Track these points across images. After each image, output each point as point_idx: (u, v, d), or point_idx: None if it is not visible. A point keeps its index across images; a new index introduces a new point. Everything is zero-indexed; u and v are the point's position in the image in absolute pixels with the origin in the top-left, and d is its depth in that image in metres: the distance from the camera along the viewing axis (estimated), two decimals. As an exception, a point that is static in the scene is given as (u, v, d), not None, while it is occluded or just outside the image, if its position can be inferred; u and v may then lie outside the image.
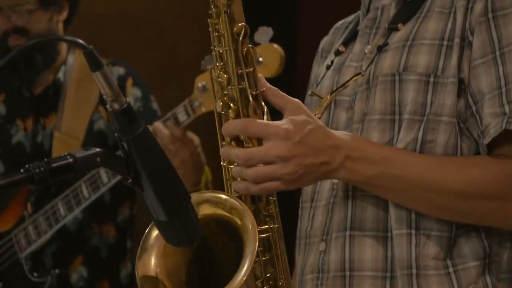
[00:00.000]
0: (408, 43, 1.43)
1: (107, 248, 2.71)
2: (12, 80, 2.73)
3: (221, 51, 1.34)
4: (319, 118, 1.41)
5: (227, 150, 1.31)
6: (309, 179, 1.34)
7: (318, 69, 1.65)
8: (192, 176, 2.36)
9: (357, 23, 1.56)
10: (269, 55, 2.25)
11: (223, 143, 1.34)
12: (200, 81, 2.35)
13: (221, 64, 1.34)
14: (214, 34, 1.34)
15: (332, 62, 1.56)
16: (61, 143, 2.65)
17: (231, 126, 1.31)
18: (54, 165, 1.10)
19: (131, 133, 1.15)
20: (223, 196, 1.34)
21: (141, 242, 1.34)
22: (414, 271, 1.39)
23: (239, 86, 1.32)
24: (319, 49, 1.70)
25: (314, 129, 1.31)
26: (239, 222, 1.29)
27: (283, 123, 1.29)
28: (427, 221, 1.40)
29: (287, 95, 1.33)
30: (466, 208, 1.37)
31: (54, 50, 2.71)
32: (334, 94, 1.45)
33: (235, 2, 1.31)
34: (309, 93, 1.55)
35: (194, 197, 1.31)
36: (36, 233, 2.56)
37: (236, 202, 1.32)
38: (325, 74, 1.57)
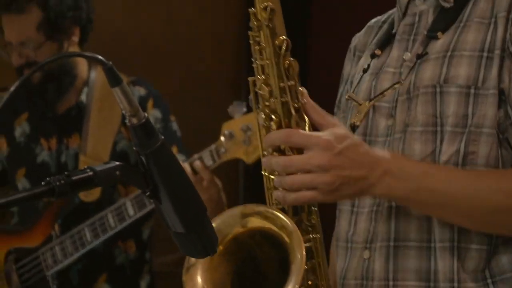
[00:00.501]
0: (448, 53, 1.44)
1: (129, 264, 2.74)
2: (34, 99, 2.77)
3: (262, 63, 1.34)
4: (359, 125, 1.46)
5: (269, 159, 1.33)
6: (346, 193, 1.35)
7: (351, 68, 1.66)
8: (212, 214, 2.40)
9: (391, 24, 1.57)
10: None
11: (265, 153, 1.36)
12: (227, 128, 2.41)
13: (263, 77, 1.35)
14: (256, 47, 1.36)
15: (368, 65, 1.57)
16: None
17: (274, 136, 1.33)
18: (74, 178, 1.11)
19: (149, 147, 1.16)
20: (275, 212, 1.37)
21: (186, 258, 1.37)
22: (455, 284, 1.41)
23: (281, 99, 1.35)
24: (351, 46, 1.69)
25: (354, 143, 1.33)
26: (286, 239, 1.31)
27: (324, 134, 1.31)
28: (468, 234, 1.40)
29: (327, 113, 1.36)
30: (505, 221, 1.38)
31: (72, 72, 2.75)
32: (373, 101, 1.47)
33: (276, 16, 1.34)
34: (346, 97, 1.57)
35: (246, 208, 1.33)
36: (63, 255, 2.61)
37: (286, 220, 1.35)
38: (361, 77, 1.57)
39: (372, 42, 1.60)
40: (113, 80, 1.15)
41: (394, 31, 1.52)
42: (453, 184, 1.36)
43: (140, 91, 2.77)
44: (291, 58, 1.35)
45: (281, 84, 1.34)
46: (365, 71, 1.54)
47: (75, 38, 2.77)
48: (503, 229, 1.39)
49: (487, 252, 1.40)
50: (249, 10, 1.35)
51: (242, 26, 3.93)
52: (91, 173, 1.13)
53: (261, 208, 1.36)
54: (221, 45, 3.71)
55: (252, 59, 1.35)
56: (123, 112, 1.16)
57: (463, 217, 1.38)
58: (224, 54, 3.66)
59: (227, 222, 1.41)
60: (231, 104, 2.32)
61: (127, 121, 1.17)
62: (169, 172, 1.17)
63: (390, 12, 1.60)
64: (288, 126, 1.34)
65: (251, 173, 3.44)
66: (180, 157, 2.67)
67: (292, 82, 1.34)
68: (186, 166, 2.39)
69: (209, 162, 2.42)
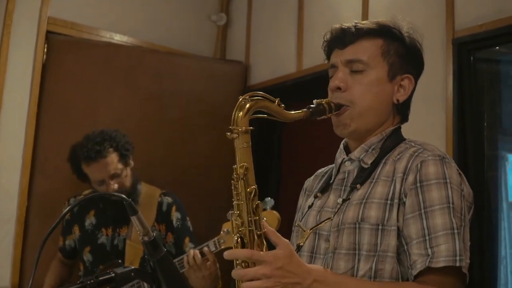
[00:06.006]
0: (364, 201, 1.45)
1: None
2: (97, 202, 2.82)
3: (238, 203, 1.35)
4: (302, 245, 1.49)
5: (236, 270, 1.33)
6: None
7: (303, 201, 1.71)
8: (211, 285, 2.42)
9: (330, 175, 1.63)
10: (271, 217, 2.44)
11: (237, 262, 1.36)
12: (225, 227, 2.52)
13: (238, 212, 1.35)
14: (234, 192, 1.35)
15: (312, 203, 1.60)
16: (131, 248, 2.80)
17: (240, 253, 1.32)
18: (101, 278, 1.12)
19: (156, 256, 1.18)
20: None
21: None
22: None
23: (249, 228, 1.33)
24: (304, 187, 1.74)
25: (293, 261, 1.30)
26: None
27: (272, 254, 1.29)
28: None
29: (281, 236, 1.35)
30: None
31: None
32: (312, 230, 1.49)
33: (249, 172, 1.33)
34: (296, 224, 1.62)
35: None
36: None
37: None
38: (308, 211, 1.60)
39: (317, 186, 1.67)
40: (132, 211, 1.15)
41: (331, 181, 1.61)
42: None
43: (168, 199, 2.86)
44: (258, 201, 1.35)
45: (249, 218, 1.32)
46: (310, 207, 1.61)
47: (132, 162, 2.94)
48: None
49: None
50: (233, 166, 1.35)
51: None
52: (113, 274, 1.13)
53: None
54: (226, 174, 3.75)
55: (232, 200, 1.39)
56: (138, 233, 1.15)
57: None
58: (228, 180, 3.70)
59: None
60: (228, 212, 2.37)
61: (141, 238, 1.16)
62: (169, 273, 1.18)
63: (330, 166, 1.69)
64: (252, 247, 1.32)
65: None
66: (191, 245, 2.78)
67: (257, 217, 1.33)
68: (196, 251, 2.40)
69: (212, 248, 2.47)
